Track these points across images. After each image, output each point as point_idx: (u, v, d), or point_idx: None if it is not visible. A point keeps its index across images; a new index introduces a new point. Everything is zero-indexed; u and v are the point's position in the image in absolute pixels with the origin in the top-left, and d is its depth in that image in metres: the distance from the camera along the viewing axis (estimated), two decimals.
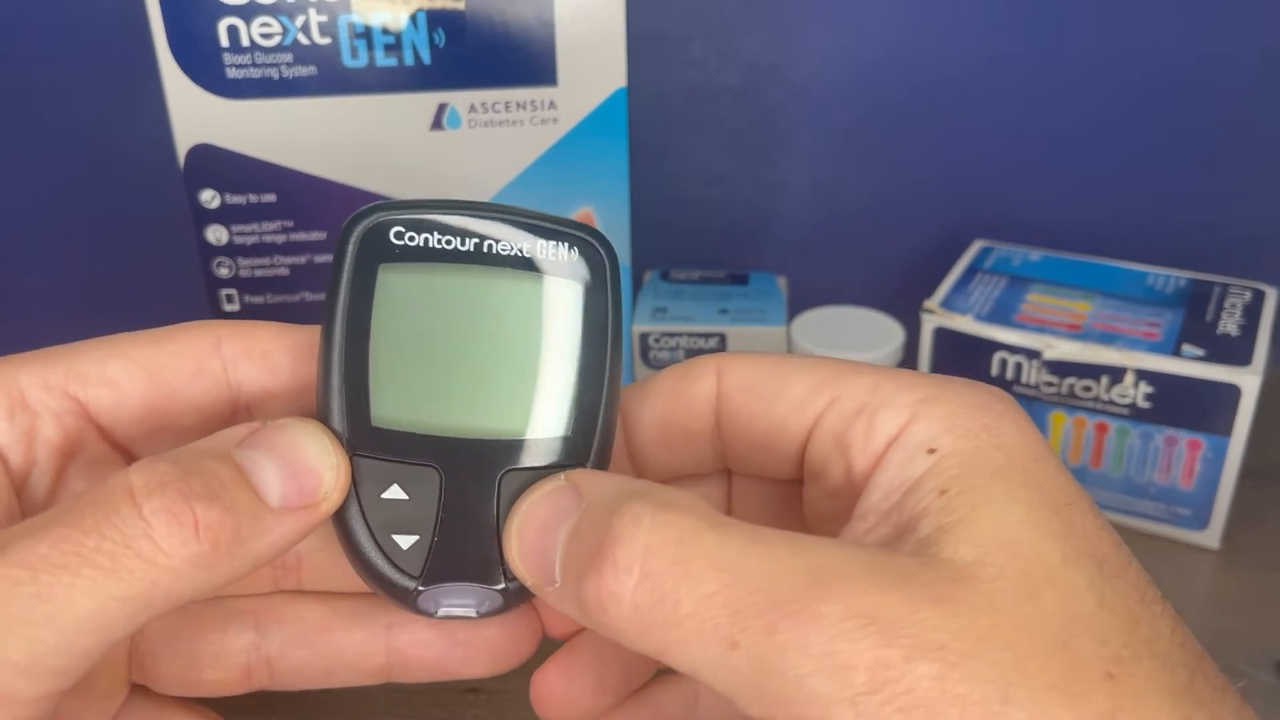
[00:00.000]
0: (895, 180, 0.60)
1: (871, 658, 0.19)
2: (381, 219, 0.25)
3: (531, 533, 0.24)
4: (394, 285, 0.25)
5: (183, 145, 0.44)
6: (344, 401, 0.24)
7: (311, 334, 0.26)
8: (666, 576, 0.21)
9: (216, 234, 0.46)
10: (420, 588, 0.25)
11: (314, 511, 0.24)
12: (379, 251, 0.25)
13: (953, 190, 0.60)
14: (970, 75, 0.57)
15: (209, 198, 0.45)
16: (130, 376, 0.25)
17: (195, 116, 0.43)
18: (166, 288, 0.57)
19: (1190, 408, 0.44)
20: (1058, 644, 0.19)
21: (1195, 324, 0.46)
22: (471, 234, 0.25)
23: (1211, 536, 0.46)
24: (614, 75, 0.44)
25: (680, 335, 0.53)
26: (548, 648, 0.28)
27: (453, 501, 0.25)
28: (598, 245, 0.26)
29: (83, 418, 0.25)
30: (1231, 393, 0.43)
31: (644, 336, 0.53)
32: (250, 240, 0.46)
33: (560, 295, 0.26)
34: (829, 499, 0.26)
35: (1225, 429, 0.44)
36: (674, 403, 0.27)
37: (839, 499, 0.25)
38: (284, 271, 0.47)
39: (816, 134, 0.59)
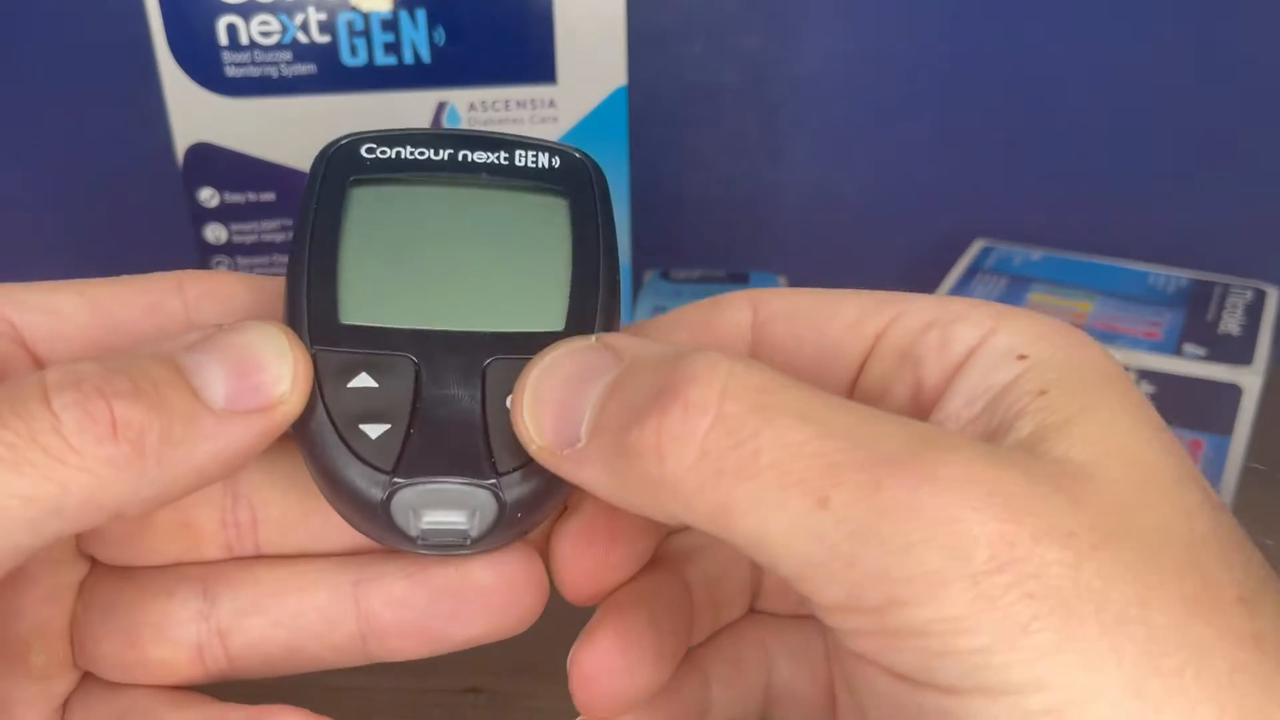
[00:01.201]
0: (896, 180, 0.60)
1: (995, 531, 0.16)
2: (353, 138, 0.24)
3: (552, 386, 0.21)
4: (366, 196, 0.23)
5: (181, 144, 0.44)
6: (309, 305, 0.22)
7: (281, 282, 0.24)
8: (747, 420, 0.18)
9: (215, 233, 0.46)
10: (393, 481, 0.21)
11: (269, 415, 0.21)
12: (350, 166, 0.23)
13: (953, 190, 0.60)
14: (970, 75, 0.57)
15: (208, 196, 0.45)
16: (75, 307, 0.24)
17: (194, 115, 0.43)
18: None
19: (1191, 407, 0.44)
20: (1187, 558, 0.17)
21: (1196, 323, 0.46)
22: (446, 145, 0.24)
23: None
24: (614, 74, 0.44)
25: None
26: (553, 627, 0.25)
27: (430, 389, 0.22)
28: (579, 155, 0.25)
29: (15, 342, 0.23)
30: (1233, 392, 0.43)
31: None
32: (249, 239, 0.46)
33: (544, 198, 0.24)
34: None
35: (1226, 428, 0.44)
36: (701, 333, 0.24)
37: None
38: (283, 270, 0.47)
39: (817, 133, 0.59)
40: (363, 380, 0.22)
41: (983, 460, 0.17)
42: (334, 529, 0.24)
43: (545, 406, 0.21)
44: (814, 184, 0.60)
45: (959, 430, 0.21)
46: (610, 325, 0.23)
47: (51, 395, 0.19)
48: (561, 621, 0.24)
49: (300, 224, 0.23)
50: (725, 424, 0.18)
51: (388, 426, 0.22)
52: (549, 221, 0.24)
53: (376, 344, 0.22)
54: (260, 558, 0.25)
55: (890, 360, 0.23)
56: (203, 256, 0.46)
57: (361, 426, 0.22)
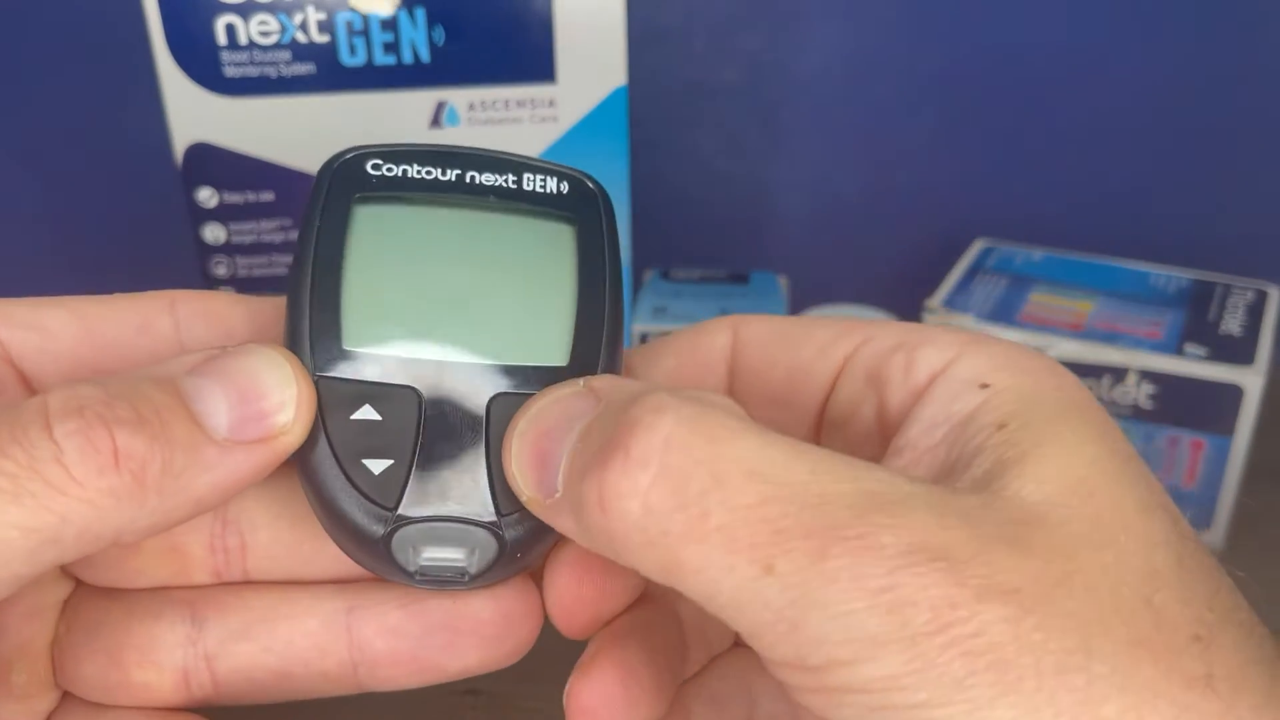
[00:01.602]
0: (896, 179, 0.60)
1: (937, 595, 0.16)
2: (359, 153, 0.23)
3: (536, 436, 0.21)
4: (371, 214, 0.23)
5: (180, 143, 0.44)
6: (312, 329, 0.22)
7: (276, 304, 0.24)
8: (693, 477, 0.18)
9: (214, 233, 0.46)
10: (395, 518, 0.21)
11: (271, 446, 0.20)
12: (355, 183, 0.23)
13: (953, 190, 0.59)
14: (971, 74, 0.57)
15: (207, 196, 0.45)
16: (63, 324, 0.23)
17: (193, 114, 0.43)
18: (163, 287, 0.57)
19: (1193, 408, 0.44)
20: (1140, 599, 0.17)
21: (1198, 323, 0.46)
22: (454, 166, 0.23)
23: (1215, 537, 0.46)
24: (614, 73, 0.44)
25: None
26: (554, 649, 0.24)
27: (434, 424, 0.22)
28: (588, 182, 0.24)
29: (1, 359, 0.23)
30: (1234, 393, 0.43)
31: (644, 336, 0.53)
32: (248, 239, 0.46)
33: (550, 225, 0.23)
34: (855, 449, 0.23)
35: (1228, 429, 0.44)
36: (686, 359, 0.25)
37: (867, 445, 0.23)
38: (282, 271, 0.47)
39: (817, 132, 0.59)
40: (366, 412, 0.21)
41: (929, 519, 0.17)
42: (325, 557, 0.24)
43: (529, 458, 0.21)
44: (814, 184, 0.60)
45: (917, 460, 0.21)
46: (613, 359, 0.23)
47: (53, 423, 0.19)
48: None
49: (303, 241, 0.23)
50: (670, 480, 0.18)
51: (390, 462, 0.21)
52: (555, 249, 0.23)
53: (380, 373, 0.22)
54: (250, 583, 0.25)
55: (858, 383, 0.23)
56: (201, 257, 0.46)
57: (364, 461, 0.21)
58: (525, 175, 0.24)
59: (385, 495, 0.21)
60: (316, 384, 0.21)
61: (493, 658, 0.24)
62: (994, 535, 0.17)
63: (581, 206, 0.24)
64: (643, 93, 0.53)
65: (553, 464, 0.20)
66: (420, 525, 0.21)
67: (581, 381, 0.21)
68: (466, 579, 0.22)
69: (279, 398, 0.21)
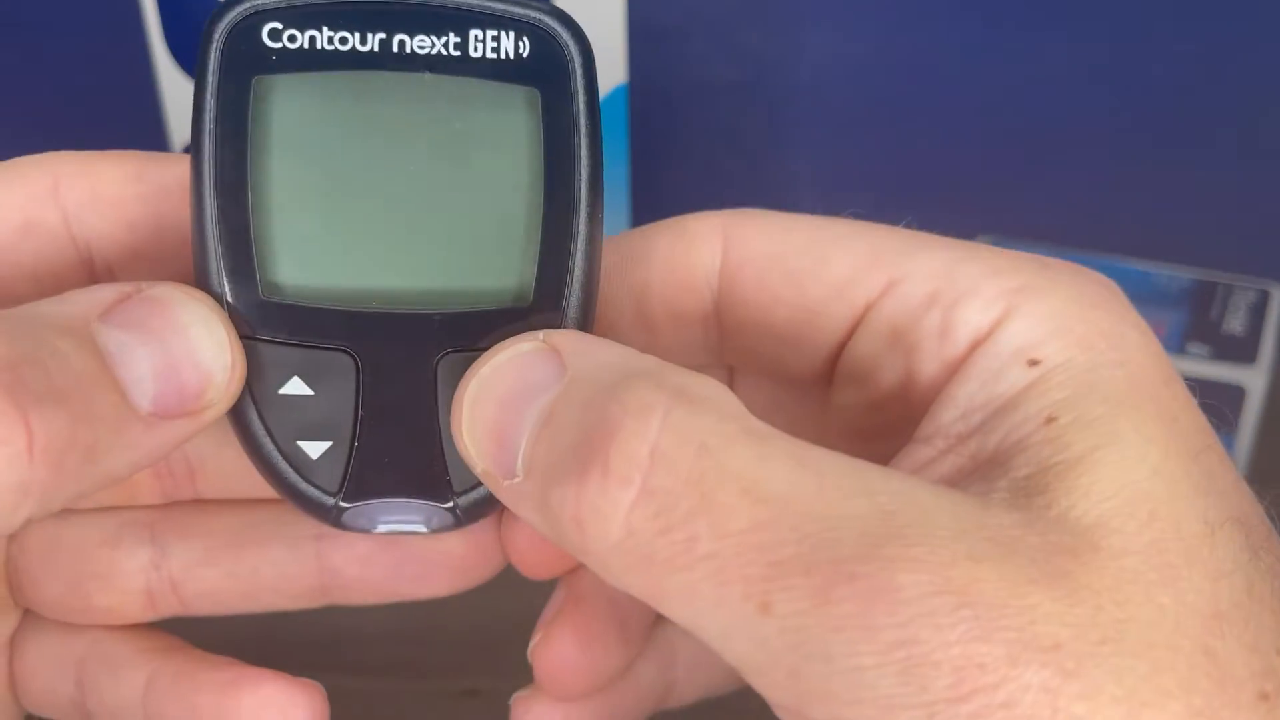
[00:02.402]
0: (897, 177, 0.59)
1: (962, 654, 0.14)
2: (252, 9, 0.18)
3: (491, 404, 0.18)
4: (273, 104, 0.18)
5: (180, 143, 0.43)
6: (223, 269, 0.18)
7: (175, 174, 0.20)
8: (680, 498, 0.15)
9: None
10: (343, 504, 0.19)
11: (194, 421, 0.18)
12: (251, 58, 0.18)
13: (955, 189, 0.59)
14: (972, 72, 0.57)
15: None
16: None
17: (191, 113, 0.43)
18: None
19: None
20: (1201, 651, 0.15)
21: (1200, 323, 0.46)
22: (377, 27, 0.18)
23: None
24: (614, 71, 0.44)
25: None
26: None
27: (375, 396, 0.19)
28: (559, 28, 0.19)
29: None
30: (1236, 393, 0.43)
31: None
32: None
33: (507, 107, 0.19)
34: (872, 411, 0.20)
35: (1230, 428, 0.44)
36: (669, 280, 0.21)
37: (885, 412, 0.20)
38: None
39: (818, 131, 0.59)
40: (296, 386, 0.19)
41: (956, 548, 0.15)
42: None
43: (484, 429, 0.18)
44: (815, 181, 0.60)
45: (948, 451, 0.18)
46: (589, 289, 0.20)
47: None
48: None
49: (194, 133, 0.19)
50: (654, 500, 0.15)
51: (329, 444, 0.19)
52: (515, 141, 0.19)
53: (308, 332, 0.19)
54: (207, 501, 0.23)
55: (881, 338, 0.20)
56: None
57: (300, 443, 0.19)
58: (472, 33, 0.18)
59: (328, 479, 0.19)
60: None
61: (461, 585, 0.23)
62: (1033, 571, 0.15)
63: (549, 69, 0.19)
64: (643, 91, 0.53)
65: (511, 442, 0.17)
66: (370, 504, 0.20)
67: (541, 335, 0.18)
68: (426, 533, 0.21)
69: (211, 367, 0.18)
